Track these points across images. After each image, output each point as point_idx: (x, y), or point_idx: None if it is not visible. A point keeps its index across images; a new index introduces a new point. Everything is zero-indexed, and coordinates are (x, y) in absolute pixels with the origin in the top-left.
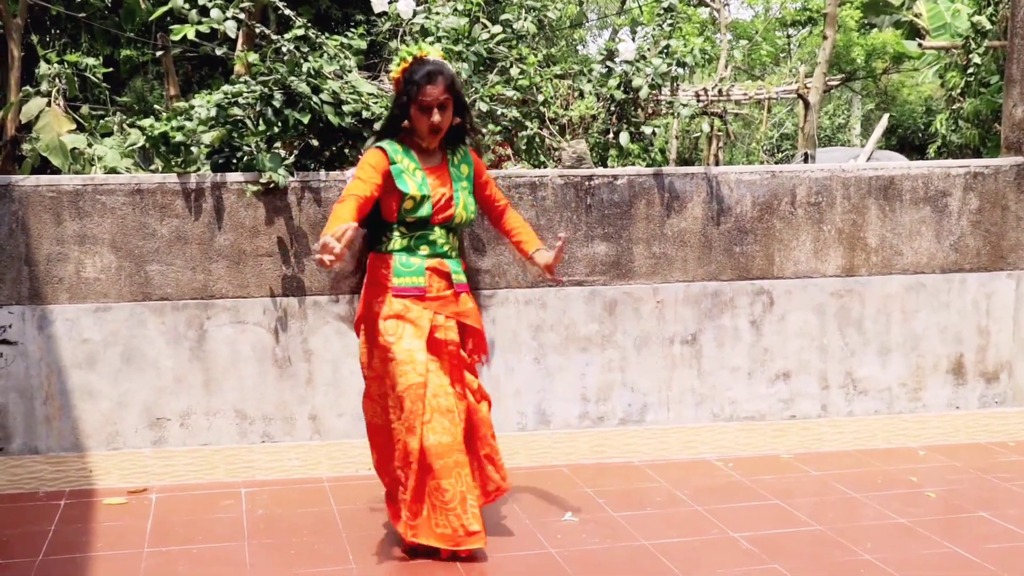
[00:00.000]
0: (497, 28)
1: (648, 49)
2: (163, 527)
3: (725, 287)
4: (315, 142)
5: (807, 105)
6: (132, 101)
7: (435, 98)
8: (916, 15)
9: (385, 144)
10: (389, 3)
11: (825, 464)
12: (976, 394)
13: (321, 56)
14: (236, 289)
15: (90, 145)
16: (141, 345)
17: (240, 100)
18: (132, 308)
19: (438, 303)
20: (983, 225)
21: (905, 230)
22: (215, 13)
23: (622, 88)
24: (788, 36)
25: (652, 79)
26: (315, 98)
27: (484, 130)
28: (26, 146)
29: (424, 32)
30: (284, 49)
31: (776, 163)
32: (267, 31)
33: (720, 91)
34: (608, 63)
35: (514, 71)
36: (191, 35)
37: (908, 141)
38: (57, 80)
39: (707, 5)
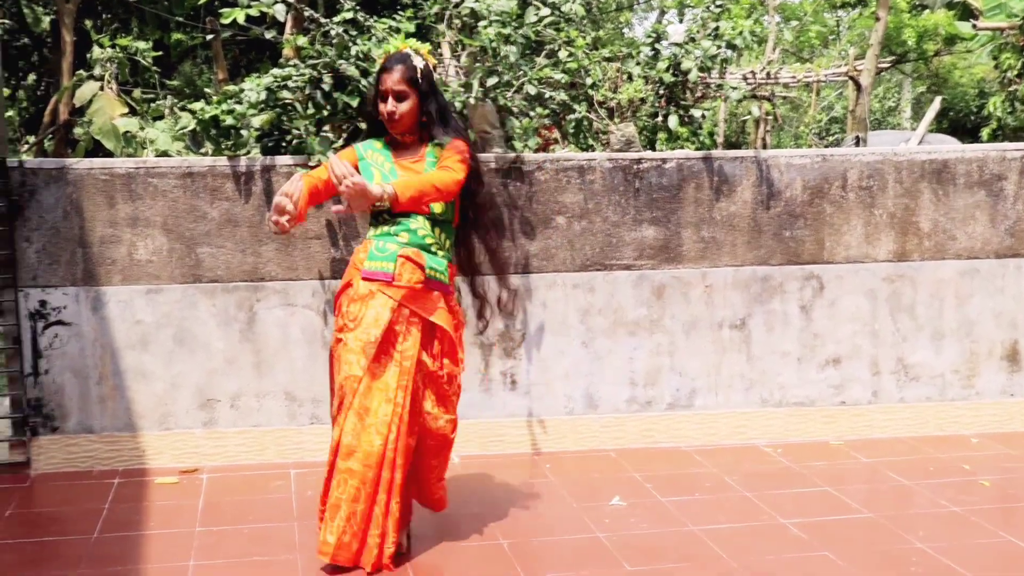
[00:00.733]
0: (545, 11)
1: (697, 31)
2: (214, 507)
3: (775, 272)
4: (364, 125)
5: (859, 88)
6: (182, 85)
7: (388, 87)
8: None
9: (360, 142)
10: None
11: (876, 451)
12: None
13: (370, 39)
14: (285, 271)
15: (142, 128)
16: (192, 327)
17: (289, 83)
18: (184, 290)
19: (404, 293)
20: None
21: (959, 214)
22: None
23: (671, 71)
24: (838, 17)
25: (701, 61)
26: (364, 81)
27: (532, 113)
28: (79, 130)
29: (474, 15)
30: (333, 32)
31: (826, 147)
32: (316, 14)
33: (768, 74)
34: (656, 46)
35: (562, 54)
36: (240, 19)
37: (960, 124)
38: (109, 64)
39: None
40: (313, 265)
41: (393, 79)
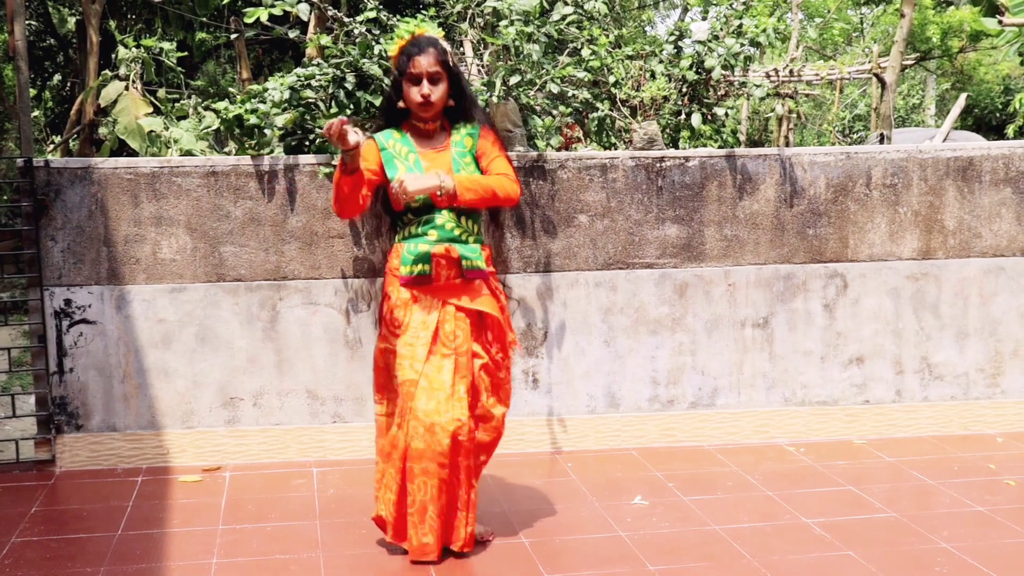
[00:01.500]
0: (568, 9)
1: (720, 29)
2: (237, 505)
3: (798, 270)
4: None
5: (883, 85)
6: (206, 84)
7: (423, 69)
8: None
9: (378, 134)
10: None
11: (899, 450)
12: None
13: (392, 38)
14: (308, 270)
15: (166, 128)
16: (215, 325)
17: (313, 83)
18: (207, 289)
19: (447, 291)
20: None
21: (984, 212)
22: None
23: (694, 69)
24: (861, 15)
25: (724, 59)
26: (387, 80)
27: (555, 111)
28: (104, 129)
29: (496, 14)
30: (356, 32)
31: (849, 145)
32: (339, 14)
33: (791, 71)
34: (679, 43)
35: (585, 52)
36: (264, 18)
37: (985, 121)
38: (134, 64)
39: None
40: (336, 264)
41: (428, 61)
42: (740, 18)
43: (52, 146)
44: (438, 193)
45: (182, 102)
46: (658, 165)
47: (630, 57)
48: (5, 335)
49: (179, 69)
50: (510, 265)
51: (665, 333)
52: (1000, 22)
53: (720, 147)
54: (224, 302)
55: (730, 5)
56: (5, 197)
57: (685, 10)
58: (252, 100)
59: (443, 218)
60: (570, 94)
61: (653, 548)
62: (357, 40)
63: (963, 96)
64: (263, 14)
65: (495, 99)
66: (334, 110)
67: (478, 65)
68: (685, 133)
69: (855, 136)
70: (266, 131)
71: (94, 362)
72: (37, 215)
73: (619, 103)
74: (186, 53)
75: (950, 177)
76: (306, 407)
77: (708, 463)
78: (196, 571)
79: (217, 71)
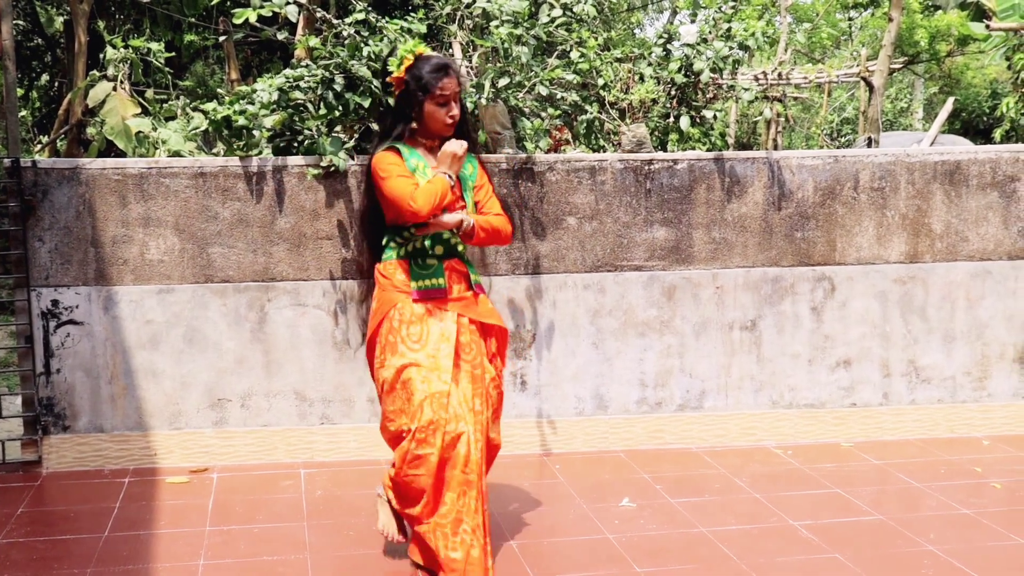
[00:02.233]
0: (557, 11)
1: (709, 32)
2: (224, 506)
3: (785, 273)
4: (375, 126)
5: (871, 88)
6: (194, 85)
7: (453, 91)
8: None
9: (395, 144)
10: None
11: (886, 453)
12: None
13: (381, 40)
14: (296, 272)
15: (154, 129)
16: (203, 326)
17: (301, 84)
18: (194, 290)
19: (460, 304)
20: None
21: (971, 216)
22: None
23: (683, 72)
24: (850, 18)
25: (713, 62)
26: (375, 82)
27: (543, 114)
28: (92, 130)
29: (485, 16)
30: (344, 33)
31: (837, 148)
32: (328, 15)
33: (780, 75)
34: (668, 46)
35: (574, 55)
36: (253, 19)
37: (973, 125)
38: (122, 65)
39: None
40: (324, 265)
41: (455, 82)
42: (729, 21)
43: (40, 146)
44: (457, 229)
45: (170, 103)
46: (646, 168)
47: (619, 60)
48: None
49: (167, 70)
50: (499, 267)
51: (653, 335)
52: (987, 26)
53: (708, 150)
54: (212, 303)
55: (719, 9)
56: None
57: (674, 13)
58: (240, 101)
59: (447, 234)
60: (559, 96)
61: (640, 550)
62: (346, 42)
63: (951, 100)
64: (252, 15)
65: (484, 101)
66: (323, 111)
67: (467, 67)
68: (673, 136)
69: (843, 139)
70: (254, 132)
71: (81, 363)
72: (24, 216)
73: (608, 106)
74: (174, 54)
75: (937, 181)
76: (294, 408)
77: (696, 465)
78: (183, 573)
79: (205, 72)
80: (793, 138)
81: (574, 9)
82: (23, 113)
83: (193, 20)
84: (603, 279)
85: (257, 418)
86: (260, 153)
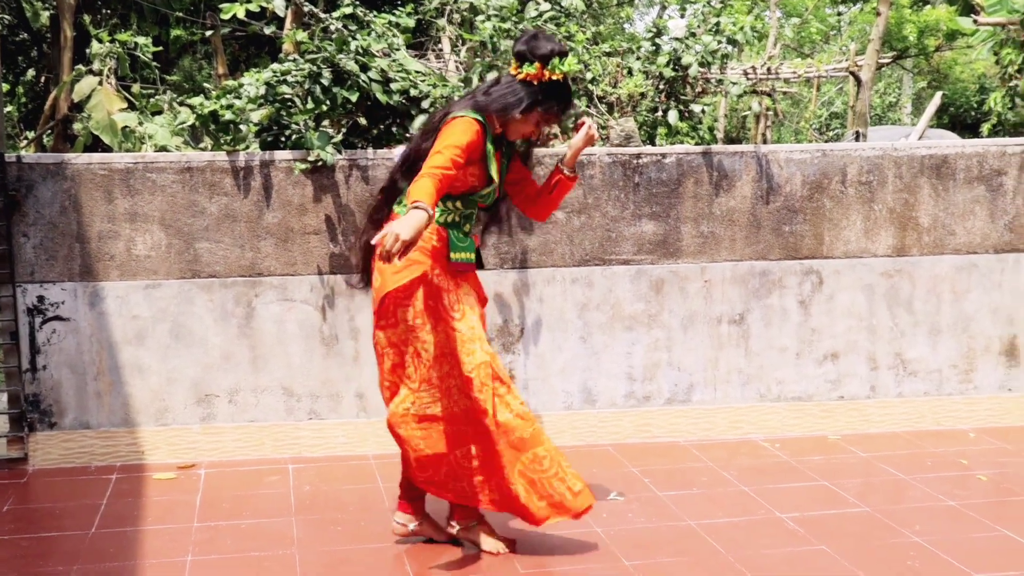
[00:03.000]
0: (545, 5)
1: (698, 26)
2: (211, 502)
3: (773, 266)
4: (363, 120)
5: (859, 83)
6: (181, 80)
7: (552, 125)
8: None
9: (484, 121)
10: None
11: (873, 445)
12: None
13: (369, 34)
14: (284, 267)
15: (141, 123)
16: (190, 322)
17: (289, 78)
18: (181, 285)
19: (473, 280)
20: None
21: (958, 209)
22: None
23: (671, 66)
24: (839, 13)
25: (702, 57)
26: (363, 76)
27: None
28: (78, 125)
29: (473, 10)
30: (332, 27)
31: (826, 142)
32: (315, 10)
33: (769, 69)
34: (656, 40)
35: None
36: (240, 14)
37: (960, 119)
38: (108, 59)
39: None
40: (311, 260)
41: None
42: (718, 16)
43: (25, 141)
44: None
45: (157, 97)
46: (635, 162)
47: (607, 54)
48: None
49: (154, 64)
50: (486, 261)
51: (641, 329)
52: (975, 21)
53: (697, 144)
54: (199, 298)
55: (708, 3)
56: None
57: (663, 7)
58: (228, 96)
59: (477, 212)
60: None
61: (629, 543)
62: (334, 36)
63: (939, 94)
64: (239, 10)
65: None
66: (310, 106)
67: (455, 61)
68: (662, 130)
69: (832, 134)
70: (242, 127)
71: (67, 359)
72: (9, 211)
73: (596, 100)
74: (161, 48)
75: (925, 175)
76: (281, 404)
77: (683, 459)
78: (171, 569)
79: (193, 67)
80: (782, 132)
81: (562, 3)
82: (8, 108)
83: (180, 14)
84: (591, 273)
85: (244, 414)
86: (247, 148)
